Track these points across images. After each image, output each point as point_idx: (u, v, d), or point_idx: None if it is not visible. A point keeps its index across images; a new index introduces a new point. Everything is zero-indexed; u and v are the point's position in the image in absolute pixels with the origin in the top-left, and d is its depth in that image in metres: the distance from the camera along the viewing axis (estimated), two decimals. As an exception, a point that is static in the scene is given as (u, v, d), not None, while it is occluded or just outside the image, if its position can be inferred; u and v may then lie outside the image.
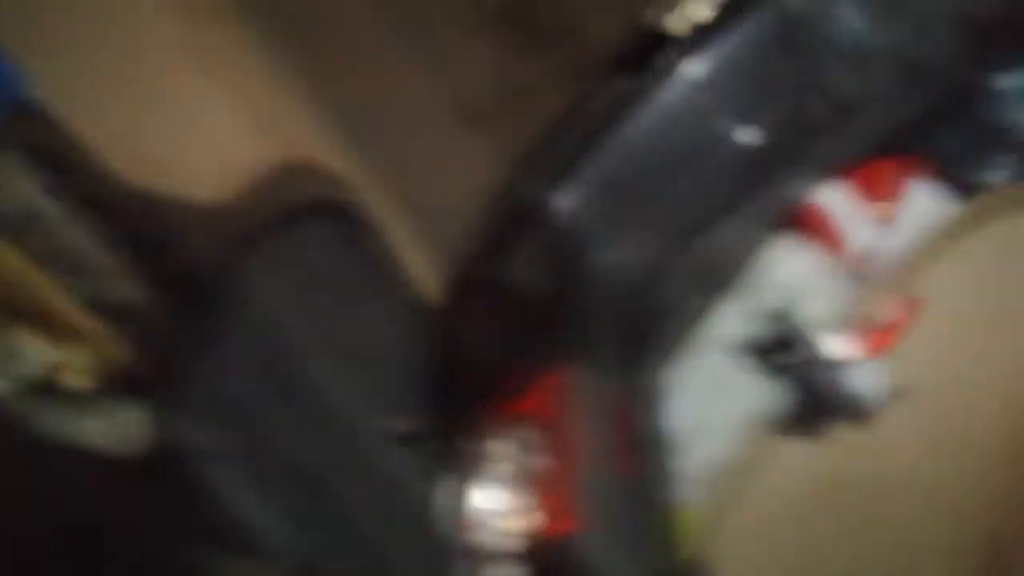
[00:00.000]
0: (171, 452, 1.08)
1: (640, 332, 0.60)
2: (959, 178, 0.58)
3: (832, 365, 0.56)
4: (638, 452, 0.53)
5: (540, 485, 0.53)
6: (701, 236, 0.61)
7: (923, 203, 0.58)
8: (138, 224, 1.07)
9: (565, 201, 0.59)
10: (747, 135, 0.54)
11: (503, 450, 0.54)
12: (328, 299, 1.01)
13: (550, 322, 0.59)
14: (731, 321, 0.59)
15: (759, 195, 0.59)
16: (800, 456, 0.58)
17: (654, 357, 0.59)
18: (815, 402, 0.56)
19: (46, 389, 1.01)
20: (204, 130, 1.12)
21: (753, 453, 0.60)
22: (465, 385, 0.65)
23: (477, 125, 1.06)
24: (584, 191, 0.60)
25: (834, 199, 0.59)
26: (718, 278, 0.62)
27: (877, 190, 0.58)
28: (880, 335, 0.56)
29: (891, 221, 0.58)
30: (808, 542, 0.61)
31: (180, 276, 1.09)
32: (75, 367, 1.01)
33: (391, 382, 0.86)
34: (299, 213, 1.07)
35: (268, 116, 1.11)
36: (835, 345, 0.56)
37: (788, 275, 0.58)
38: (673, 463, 0.57)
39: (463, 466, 0.54)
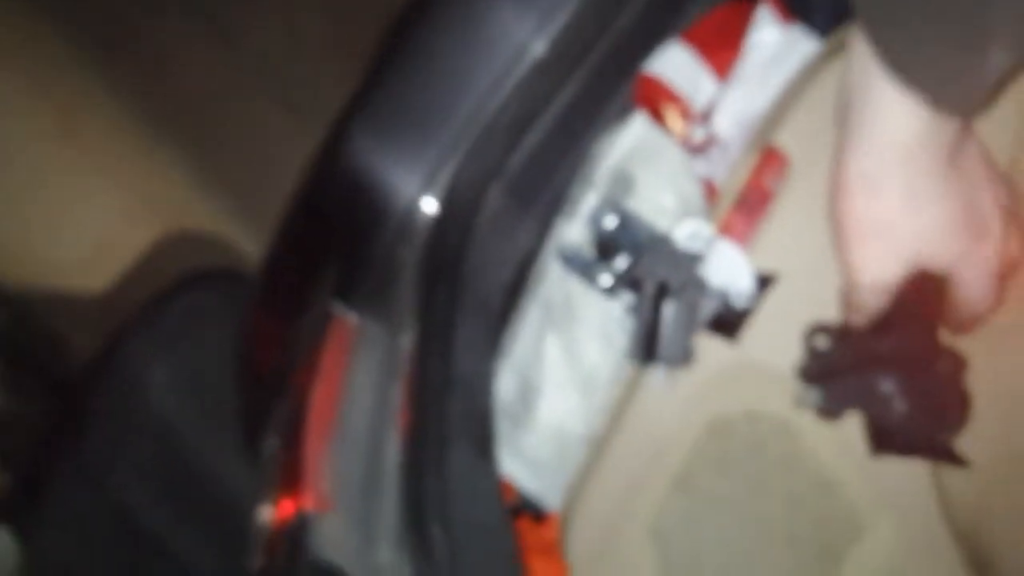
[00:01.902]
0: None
1: (447, 270, 0.46)
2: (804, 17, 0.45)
3: (688, 258, 0.40)
4: (418, 412, 0.37)
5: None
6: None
7: (768, 50, 0.44)
8: (7, 328, 0.97)
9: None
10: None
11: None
12: (214, 373, 0.87)
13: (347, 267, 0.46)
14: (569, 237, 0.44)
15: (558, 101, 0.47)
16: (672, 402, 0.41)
17: (456, 300, 0.44)
18: (677, 315, 0.40)
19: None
20: (83, 216, 1.04)
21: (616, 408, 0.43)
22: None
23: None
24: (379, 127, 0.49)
25: (670, 63, 0.46)
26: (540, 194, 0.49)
27: (715, 42, 0.45)
28: (746, 210, 0.41)
29: (732, 72, 0.44)
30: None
31: (53, 381, 0.98)
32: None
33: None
34: (184, 285, 0.97)
35: (148, 193, 1.03)
36: (690, 232, 0.41)
37: (626, 154, 0.44)
38: (488, 431, 0.40)
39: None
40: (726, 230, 0.41)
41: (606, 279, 0.43)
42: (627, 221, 0.42)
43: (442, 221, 0.47)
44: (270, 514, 0.37)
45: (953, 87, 0.32)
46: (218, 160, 1.03)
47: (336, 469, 0.37)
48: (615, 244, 0.43)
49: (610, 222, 0.43)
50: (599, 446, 0.45)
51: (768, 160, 0.41)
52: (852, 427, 0.38)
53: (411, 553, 0.33)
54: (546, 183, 0.50)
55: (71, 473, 0.87)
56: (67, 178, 1.03)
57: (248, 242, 1.00)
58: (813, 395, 0.36)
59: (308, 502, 0.35)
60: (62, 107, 1.02)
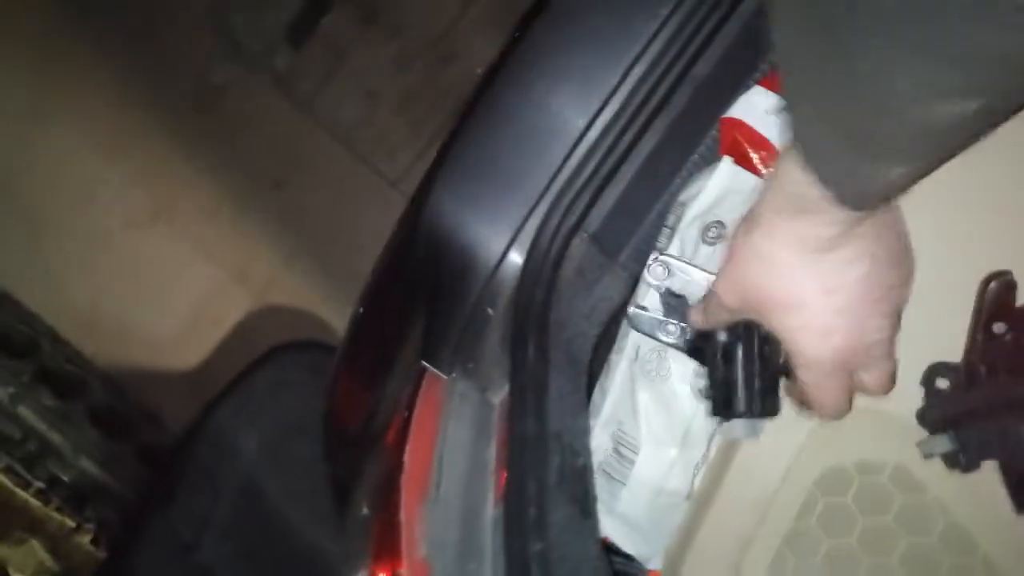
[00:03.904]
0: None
1: (531, 329, 0.45)
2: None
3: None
4: (514, 473, 0.36)
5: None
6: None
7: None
8: (106, 402, 1.00)
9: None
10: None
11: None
12: (301, 440, 0.89)
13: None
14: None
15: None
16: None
17: (545, 357, 0.43)
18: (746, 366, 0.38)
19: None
20: (177, 293, 1.08)
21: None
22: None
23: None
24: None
25: (752, 107, 0.45)
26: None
27: None
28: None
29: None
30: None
31: (147, 452, 1.00)
32: (24, 565, 0.89)
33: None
34: (272, 357, 0.99)
35: (238, 270, 1.07)
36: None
37: (714, 199, 0.43)
38: (589, 492, 0.39)
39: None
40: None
41: (670, 336, 0.42)
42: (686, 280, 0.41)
43: (528, 275, 0.46)
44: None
45: (850, 185, 0.33)
46: (303, 232, 1.06)
47: (431, 533, 0.35)
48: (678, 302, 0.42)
49: (674, 282, 0.42)
50: (702, 503, 0.43)
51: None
52: (986, 477, 0.35)
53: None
54: (631, 232, 0.49)
55: (160, 540, 0.88)
56: (160, 258, 1.07)
57: (333, 314, 1.01)
58: (941, 443, 0.34)
59: (404, 569, 0.34)
60: (156, 192, 1.08)
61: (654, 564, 0.43)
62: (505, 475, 0.38)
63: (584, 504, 0.36)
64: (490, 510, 0.37)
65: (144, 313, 1.07)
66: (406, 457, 0.39)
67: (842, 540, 0.41)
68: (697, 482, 0.43)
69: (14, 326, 0.97)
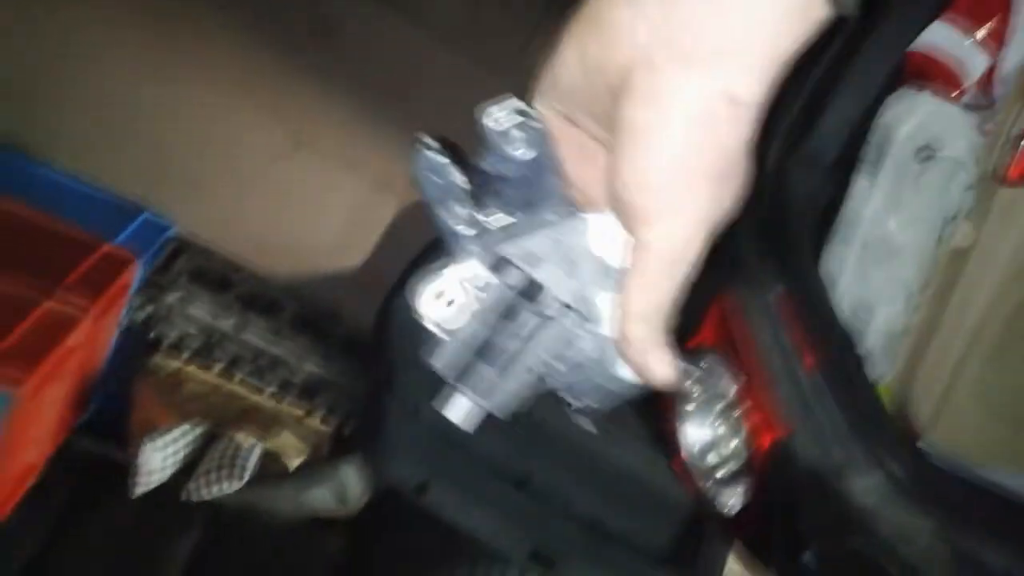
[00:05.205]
0: (390, 494, 1.16)
1: (780, 234, 0.61)
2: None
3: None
4: (817, 345, 0.54)
5: (742, 404, 0.55)
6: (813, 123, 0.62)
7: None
8: (300, 311, 1.17)
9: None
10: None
11: (696, 386, 0.56)
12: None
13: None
14: (872, 194, 0.59)
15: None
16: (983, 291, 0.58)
17: (800, 255, 0.60)
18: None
19: (269, 476, 1.11)
20: (331, 206, 1.21)
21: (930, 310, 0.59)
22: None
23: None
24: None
25: (936, 38, 0.58)
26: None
27: (980, 12, 0.57)
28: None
29: (1002, 38, 0.56)
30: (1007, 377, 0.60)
31: (349, 340, 1.18)
32: (288, 449, 1.11)
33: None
34: (431, 247, 1.14)
35: (382, 176, 1.19)
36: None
37: (919, 125, 0.58)
38: (858, 344, 0.57)
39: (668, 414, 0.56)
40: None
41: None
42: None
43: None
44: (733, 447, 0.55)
45: None
46: (431, 130, 1.18)
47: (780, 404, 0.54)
48: None
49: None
50: (925, 334, 0.61)
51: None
52: None
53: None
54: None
55: (396, 408, 1.05)
56: (310, 180, 1.19)
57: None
58: None
59: (780, 434, 0.53)
60: (292, 123, 1.18)
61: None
62: (812, 351, 0.56)
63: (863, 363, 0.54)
64: (805, 379, 0.56)
65: (306, 229, 1.21)
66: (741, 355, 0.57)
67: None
68: (914, 321, 0.62)
69: (205, 266, 1.12)
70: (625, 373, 0.44)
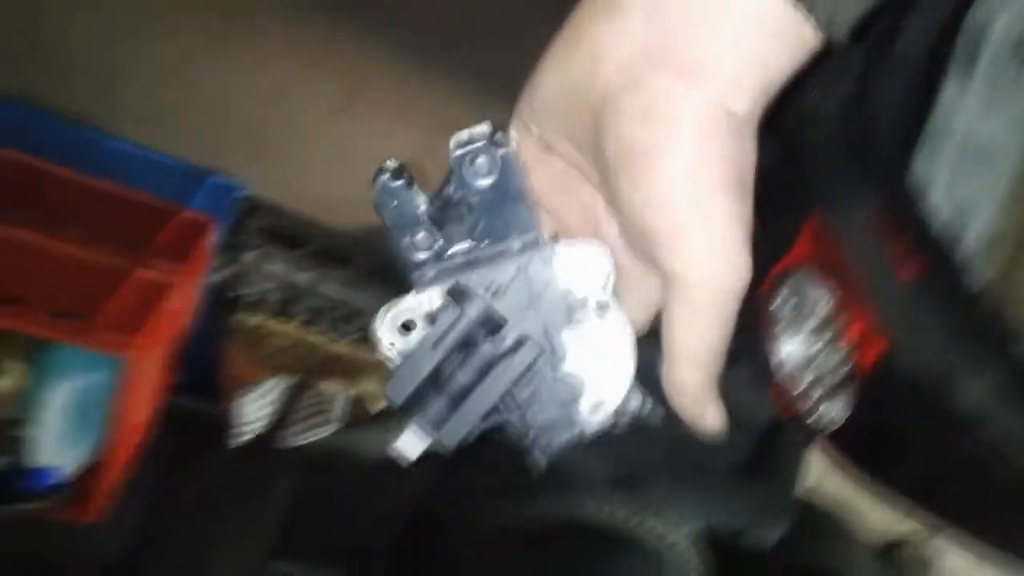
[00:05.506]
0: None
1: (869, 145, 0.62)
2: None
3: None
4: (918, 254, 0.55)
5: (838, 320, 0.57)
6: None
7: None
8: (369, 261, 1.20)
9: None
10: None
11: (793, 304, 0.58)
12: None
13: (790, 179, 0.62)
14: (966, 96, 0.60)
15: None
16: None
17: (891, 165, 0.61)
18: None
19: (355, 421, 1.17)
20: (389, 154, 1.23)
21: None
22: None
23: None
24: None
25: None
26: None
27: None
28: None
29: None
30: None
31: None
32: (372, 395, 1.16)
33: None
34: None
35: (434, 126, 1.20)
36: None
37: (1018, 15, 0.58)
38: (956, 250, 0.58)
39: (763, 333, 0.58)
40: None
41: None
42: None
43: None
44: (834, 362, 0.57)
45: None
46: (484, 81, 1.19)
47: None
48: None
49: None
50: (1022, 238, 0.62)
51: None
52: None
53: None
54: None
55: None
56: (367, 131, 1.21)
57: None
58: None
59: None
60: (345, 78, 1.19)
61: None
62: (911, 261, 0.58)
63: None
64: (906, 289, 0.58)
65: (366, 180, 1.23)
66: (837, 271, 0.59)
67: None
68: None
69: (277, 224, 1.15)
70: (585, 413, 0.42)
